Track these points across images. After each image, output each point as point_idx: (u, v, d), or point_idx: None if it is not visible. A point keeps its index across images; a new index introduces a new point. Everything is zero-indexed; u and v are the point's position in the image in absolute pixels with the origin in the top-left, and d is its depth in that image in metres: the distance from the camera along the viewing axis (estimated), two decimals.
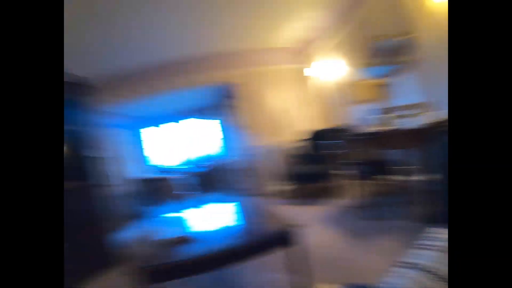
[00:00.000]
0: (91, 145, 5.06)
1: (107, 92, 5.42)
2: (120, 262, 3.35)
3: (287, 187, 5.06)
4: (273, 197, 5.08)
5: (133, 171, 6.54)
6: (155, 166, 7.31)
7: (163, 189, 5.02)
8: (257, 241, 1.66)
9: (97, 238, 3.31)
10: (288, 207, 4.21)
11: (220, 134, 7.30)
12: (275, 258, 2.03)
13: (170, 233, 2.00)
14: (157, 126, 7.46)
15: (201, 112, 7.30)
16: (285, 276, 2.01)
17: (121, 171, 6.01)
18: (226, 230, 2.13)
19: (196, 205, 4.96)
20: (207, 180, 5.28)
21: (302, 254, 1.71)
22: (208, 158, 7.20)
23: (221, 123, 6.65)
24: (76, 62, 4.50)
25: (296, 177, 4.55)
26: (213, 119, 7.17)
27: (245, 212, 2.60)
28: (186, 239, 1.89)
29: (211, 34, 4.66)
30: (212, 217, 2.60)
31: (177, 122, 7.42)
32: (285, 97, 5.69)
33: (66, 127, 3.26)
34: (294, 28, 4.88)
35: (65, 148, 3.27)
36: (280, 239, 1.67)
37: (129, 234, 4.80)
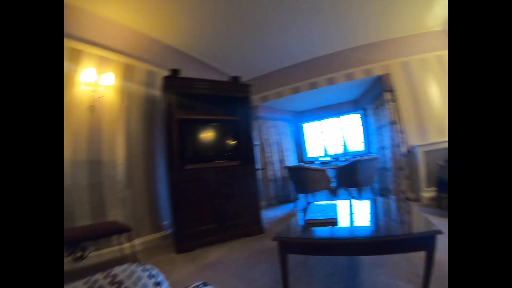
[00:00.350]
0: (257, 135, 6.01)
1: (268, 90, 6.19)
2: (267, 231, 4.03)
3: (429, 193, 4.56)
4: (414, 202, 4.61)
5: (293, 160, 7.23)
6: (311, 157, 7.78)
7: (319, 179, 5.36)
8: (395, 240, 1.76)
9: (253, 209, 4.08)
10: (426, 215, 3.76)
11: (362, 129, 7.02)
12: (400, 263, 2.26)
13: (319, 216, 2.37)
14: (316, 120, 7.83)
15: (352, 106, 7.19)
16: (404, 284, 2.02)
17: (282, 159, 6.77)
18: (367, 224, 2.35)
19: (341, 197, 5.08)
20: (348, 175, 5.25)
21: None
22: (351, 153, 7.13)
23: (368, 118, 6.34)
24: (233, 64, 5.45)
25: (441, 184, 3.95)
26: (362, 113, 6.93)
27: (385, 210, 2.73)
28: (332, 223, 2.24)
29: (357, 27, 4.61)
30: (357, 210, 2.84)
31: (334, 117, 7.56)
32: (438, 90, 4.90)
33: (235, 119, 4.27)
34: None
35: (235, 136, 4.24)
36: (419, 243, 1.73)
37: (281, 212, 5.41)
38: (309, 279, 2.32)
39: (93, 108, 3.53)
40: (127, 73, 3.99)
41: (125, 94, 3.93)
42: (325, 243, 1.97)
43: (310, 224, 2.31)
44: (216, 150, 4.13)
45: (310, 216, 2.41)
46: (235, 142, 4.28)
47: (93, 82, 3.51)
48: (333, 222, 2.24)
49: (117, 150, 3.74)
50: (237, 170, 4.05)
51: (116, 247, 3.37)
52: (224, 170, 3.95)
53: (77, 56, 3.47)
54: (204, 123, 4.09)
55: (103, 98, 3.64)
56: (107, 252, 3.33)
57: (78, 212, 3.27)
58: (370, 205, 2.95)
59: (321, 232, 2.17)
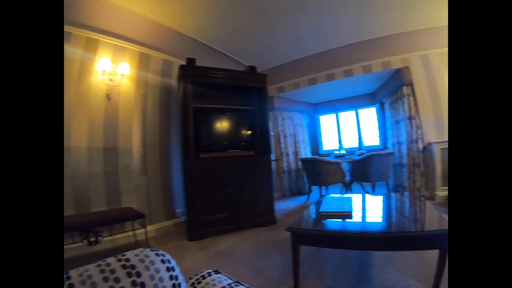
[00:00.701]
0: (272, 126, 5.98)
1: (284, 80, 6.13)
2: (279, 222, 4.05)
3: (445, 192, 4.48)
4: (428, 200, 4.53)
5: (307, 153, 7.18)
6: (326, 150, 7.71)
7: (334, 172, 5.32)
8: (408, 236, 1.75)
9: (266, 200, 4.11)
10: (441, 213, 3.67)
11: (379, 124, 6.88)
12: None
13: (333, 208, 2.37)
14: (333, 112, 7.73)
15: (368, 99, 7.04)
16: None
17: (297, 151, 6.73)
18: (380, 219, 2.34)
19: (355, 191, 5.02)
20: (363, 169, 5.18)
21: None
22: (366, 147, 7.03)
23: (385, 112, 6.20)
24: (249, 54, 5.40)
25: None
26: (378, 107, 6.79)
27: (399, 206, 2.69)
28: (346, 215, 2.24)
29: (376, 18, 4.48)
30: (371, 205, 2.84)
31: (351, 110, 7.45)
32: None
33: (251, 109, 4.27)
34: None
35: (250, 126, 4.28)
36: (432, 241, 1.70)
37: (294, 204, 5.41)
38: (319, 272, 2.32)
39: (109, 96, 3.58)
40: (143, 62, 4.02)
41: (141, 83, 3.96)
42: (338, 236, 1.96)
43: (324, 216, 2.30)
44: (231, 139, 4.13)
45: (325, 208, 2.40)
46: (250, 132, 4.27)
47: (110, 71, 3.56)
48: (347, 215, 2.23)
49: (133, 138, 3.80)
50: (251, 160, 4.06)
51: (130, 233, 3.44)
52: (239, 159, 3.95)
53: (94, 45, 3.52)
54: (219, 113, 4.08)
55: (120, 86, 3.68)
56: (121, 237, 3.41)
57: (93, 198, 3.35)
58: (384, 200, 2.91)
59: (334, 224, 2.16)
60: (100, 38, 3.57)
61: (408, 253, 2.38)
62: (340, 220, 2.20)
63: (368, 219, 2.31)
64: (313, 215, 2.52)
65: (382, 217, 2.35)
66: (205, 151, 3.84)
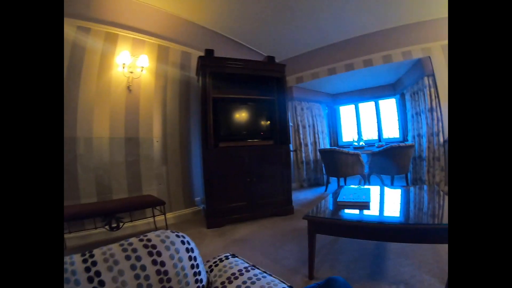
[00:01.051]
0: (291, 116, 5.97)
1: (303, 71, 6.07)
2: (297, 212, 4.08)
3: None
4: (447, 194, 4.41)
5: (326, 143, 7.13)
6: (345, 142, 7.63)
7: (352, 163, 5.28)
8: (424, 228, 1.76)
9: (284, 189, 4.15)
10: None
11: (398, 115, 6.71)
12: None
13: (351, 198, 2.39)
14: (352, 103, 7.62)
15: (389, 90, 6.87)
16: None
17: (314, 141, 6.70)
18: (398, 210, 2.32)
19: (373, 184, 4.97)
20: (382, 161, 5.10)
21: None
22: (386, 139, 6.90)
23: (406, 103, 6.03)
24: (267, 44, 5.38)
25: None
26: (398, 98, 6.61)
27: (417, 200, 2.67)
28: (364, 206, 2.25)
29: (396, 6, 4.36)
30: (389, 197, 2.82)
31: (370, 101, 7.31)
32: None
33: (270, 99, 4.28)
34: None
35: (269, 116, 4.29)
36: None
37: (312, 195, 5.42)
38: (333, 263, 2.33)
39: (130, 88, 3.68)
40: (162, 54, 4.10)
41: (161, 74, 4.04)
42: (355, 225, 1.97)
43: (341, 206, 2.31)
44: (250, 129, 4.16)
45: (342, 198, 2.41)
46: (269, 122, 4.29)
47: (130, 64, 3.65)
48: (365, 205, 2.23)
49: (154, 129, 3.89)
50: (270, 149, 4.09)
51: (150, 219, 3.56)
52: (258, 149, 3.99)
53: (114, 39, 3.62)
54: (238, 102, 4.12)
55: (140, 78, 3.77)
56: (141, 223, 3.54)
57: (115, 187, 3.49)
58: (402, 193, 2.88)
59: (352, 214, 2.17)
60: (119, 33, 3.66)
61: (424, 247, 2.36)
62: (358, 210, 2.20)
63: (385, 211, 2.29)
64: (331, 204, 2.54)
65: (400, 209, 2.33)
66: (224, 140, 3.90)
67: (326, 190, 5.69)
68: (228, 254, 1.49)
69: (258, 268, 1.35)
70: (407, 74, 5.83)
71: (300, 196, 5.29)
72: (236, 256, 1.47)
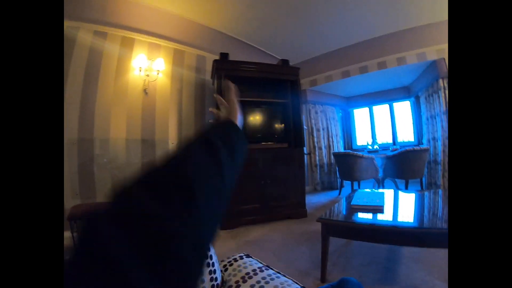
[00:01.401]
0: (304, 119, 5.97)
1: (317, 73, 6.07)
2: (310, 216, 4.08)
3: None
4: None
5: (340, 147, 7.10)
6: (359, 145, 7.57)
7: (366, 167, 5.24)
8: (440, 233, 1.74)
9: (298, 192, 4.15)
10: None
11: (413, 118, 6.59)
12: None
13: (365, 202, 2.39)
14: (366, 106, 7.55)
15: (403, 93, 6.77)
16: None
17: (328, 144, 6.68)
18: (412, 215, 2.30)
19: (387, 188, 4.92)
20: (396, 166, 5.04)
21: None
22: (400, 143, 6.80)
23: (420, 106, 5.92)
24: (281, 47, 5.40)
25: None
26: (413, 101, 6.50)
27: (431, 204, 2.64)
28: (378, 209, 2.24)
29: (410, 7, 4.31)
30: (403, 201, 2.79)
31: (385, 103, 7.23)
32: None
33: (284, 101, 4.32)
34: None
35: (283, 119, 4.32)
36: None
37: (325, 199, 5.39)
38: (345, 266, 2.33)
39: (146, 91, 3.77)
40: (177, 58, 4.18)
41: (176, 78, 4.13)
42: (369, 228, 1.97)
43: (355, 209, 2.30)
44: (265, 132, 4.19)
45: (356, 201, 2.40)
46: (283, 125, 4.31)
47: (146, 67, 3.74)
48: (379, 209, 2.22)
49: (169, 131, 3.97)
50: (284, 152, 4.11)
51: None
52: (272, 151, 4.01)
53: (130, 43, 3.73)
54: (253, 105, 4.16)
55: (156, 82, 3.86)
56: None
57: None
58: (417, 197, 2.84)
59: (366, 217, 2.17)
60: (136, 37, 3.77)
61: (437, 252, 2.33)
62: (371, 214, 2.20)
63: (399, 215, 2.27)
64: (344, 208, 2.54)
65: (414, 213, 2.31)
66: None
67: (339, 194, 5.66)
68: (242, 254, 1.52)
69: (271, 269, 1.38)
70: (421, 76, 5.74)
71: (313, 200, 5.28)
72: (250, 256, 1.50)
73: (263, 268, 1.35)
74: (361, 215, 2.19)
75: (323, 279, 2.08)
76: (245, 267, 1.36)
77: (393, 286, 1.94)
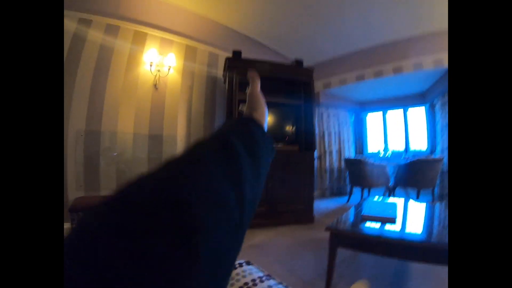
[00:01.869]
0: (316, 121, 5.85)
1: (331, 76, 5.93)
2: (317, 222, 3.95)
3: None
4: None
5: (350, 152, 6.94)
6: (371, 152, 7.39)
7: (378, 175, 5.10)
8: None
9: (306, 197, 4.04)
10: None
11: (428, 126, 6.37)
12: None
13: (377, 212, 2.26)
14: (380, 111, 7.37)
15: (418, 99, 6.55)
16: None
17: (339, 149, 6.54)
18: (428, 228, 2.15)
19: (398, 197, 4.76)
20: (408, 174, 4.86)
21: None
22: (413, 151, 6.57)
23: (436, 114, 5.71)
24: (295, 48, 5.28)
25: None
26: (428, 108, 6.28)
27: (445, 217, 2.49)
28: (390, 220, 2.11)
29: (427, 11, 4.14)
30: (415, 212, 2.64)
31: (399, 109, 7.02)
32: None
33: (296, 103, 4.22)
34: None
35: (295, 121, 4.24)
36: None
37: (334, 205, 5.26)
38: (352, 278, 2.20)
39: (157, 86, 3.71)
40: (189, 54, 4.12)
41: (188, 74, 4.06)
42: (380, 242, 1.84)
43: (365, 219, 2.18)
44: (275, 133, 4.08)
45: (368, 211, 2.28)
46: (294, 127, 4.20)
47: (158, 62, 3.69)
48: (391, 220, 2.09)
49: (178, 127, 3.91)
50: (294, 155, 3.99)
51: None
52: (281, 154, 3.87)
53: (142, 38, 3.69)
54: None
55: (167, 77, 3.81)
56: None
57: None
58: (429, 209, 2.69)
59: (378, 229, 2.03)
60: (148, 32, 3.72)
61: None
62: (383, 225, 2.06)
63: (414, 227, 2.13)
64: (354, 217, 2.40)
65: (428, 226, 2.17)
66: None
67: (348, 201, 5.51)
68: (242, 261, 1.42)
69: (273, 279, 1.27)
70: (438, 83, 5.56)
71: (321, 205, 5.15)
72: (251, 264, 1.40)
73: (264, 278, 1.24)
74: (373, 227, 2.06)
75: None
76: (244, 276, 1.25)
77: None
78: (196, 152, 0.36)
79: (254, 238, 3.28)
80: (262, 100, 0.60)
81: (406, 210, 2.62)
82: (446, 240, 1.73)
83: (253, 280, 1.22)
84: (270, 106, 3.18)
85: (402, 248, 1.74)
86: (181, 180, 0.29)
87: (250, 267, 1.35)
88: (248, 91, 0.63)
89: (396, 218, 2.11)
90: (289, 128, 4.17)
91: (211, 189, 0.30)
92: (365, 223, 2.13)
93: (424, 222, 2.26)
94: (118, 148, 3.43)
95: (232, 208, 0.31)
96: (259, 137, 0.46)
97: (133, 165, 3.49)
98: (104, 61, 3.36)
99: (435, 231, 2.01)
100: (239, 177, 0.34)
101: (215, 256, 0.26)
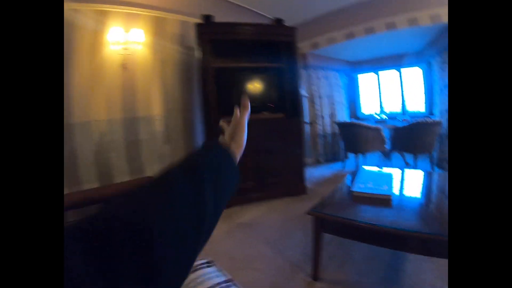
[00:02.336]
0: (305, 86, 5.53)
1: (318, 35, 5.53)
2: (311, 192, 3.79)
3: None
4: None
5: (343, 115, 6.65)
6: (365, 114, 7.09)
7: (373, 138, 4.86)
8: None
9: (296, 166, 3.83)
10: None
11: (425, 87, 6.00)
12: None
13: (370, 188, 1.99)
14: (373, 72, 6.98)
15: (414, 58, 6.14)
16: None
17: (331, 113, 6.26)
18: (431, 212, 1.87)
19: (395, 162, 4.55)
20: (405, 138, 4.61)
21: None
22: (410, 113, 6.26)
23: (433, 73, 5.34)
24: (275, 5, 4.80)
25: None
26: (425, 67, 5.89)
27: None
28: (385, 200, 1.84)
29: None
30: (413, 186, 2.39)
31: (393, 69, 6.62)
32: None
33: (279, 66, 3.87)
34: None
35: (279, 86, 3.91)
36: None
37: (329, 172, 5.08)
38: (344, 260, 2.05)
39: (125, 66, 3.39)
40: (159, 26, 3.73)
41: (158, 48, 3.70)
42: (372, 230, 1.58)
43: (356, 198, 1.93)
44: (258, 101, 3.78)
45: (359, 187, 2.02)
46: (279, 92, 3.90)
47: (123, 41, 3.36)
48: (387, 200, 1.82)
49: (153, 106, 3.64)
50: (280, 123, 3.74)
51: None
52: (266, 123, 3.64)
53: (104, 17, 3.30)
54: (243, 72, 3.74)
55: (135, 55, 3.47)
56: None
57: (116, 170, 3.32)
58: (428, 179, 2.46)
59: (368, 211, 1.78)
60: (110, 9, 3.32)
61: None
62: (377, 206, 1.79)
63: (411, 211, 1.81)
64: (346, 192, 2.17)
65: (429, 209, 1.84)
66: (228, 115, 3.55)
67: (344, 167, 5.31)
68: (203, 262, 1.24)
69: (234, 285, 1.08)
70: (435, 40, 5.15)
71: (315, 173, 4.98)
72: (213, 265, 1.21)
73: (224, 285, 1.05)
74: (363, 209, 1.82)
75: (315, 277, 1.80)
76: (202, 282, 1.06)
77: None
78: (166, 182, 0.40)
79: (243, 216, 3.14)
80: (244, 132, 0.63)
81: (403, 184, 2.39)
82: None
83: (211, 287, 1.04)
84: (250, 72, 2.86)
85: (397, 238, 1.53)
86: (149, 211, 0.34)
87: (210, 269, 1.17)
88: (235, 116, 0.65)
89: (392, 197, 1.86)
90: (273, 94, 3.88)
91: (176, 220, 0.35)
92: (355, 204, 1.90)
93: (423, 203, 1.96)
94: (94, 137, 3.21)
95: (193, 239, 0.37)
96: (228, 172, 0.51)
97: (111, 152, 3.28)
98: (65, 51, 3.02)
99: (436, 216, 1.67)
100: (203, 213, 0.39)
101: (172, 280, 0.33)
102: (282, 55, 3.86)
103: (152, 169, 3.54)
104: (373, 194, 1.90)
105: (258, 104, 3.76)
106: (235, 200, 3.44)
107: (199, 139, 4.04)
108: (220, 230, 2.78)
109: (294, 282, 1.85)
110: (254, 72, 3.78)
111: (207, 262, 1.21)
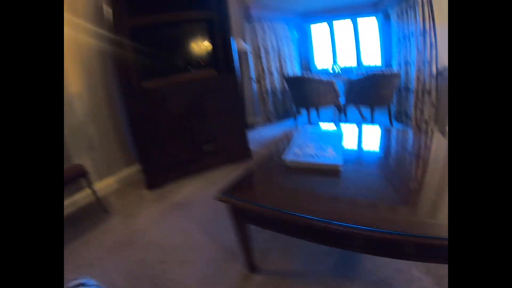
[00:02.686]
0: (251, 39, 5.02)
1: None
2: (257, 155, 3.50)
3: None
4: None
5: (293, 69, 6.27)
6: (319, 69, 6.75)
7: (325, 92, 4.55)
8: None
9: (236, 129, 3.46)
10: None
11: (381, 38, 5.67)
12: None
13: (322, 157, 1.52)
14: (326, 22, 6.52)
15: (371, 8, 5.72)
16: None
17: (280, 68, 5.86)
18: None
19: (350, 117, 4.31)
20: (361, 91, 4.36)
21: None
22: (366, 67, 5.96)
23: (391, 24, 5.01)
24: None
25: None
26: (382, 18, 5.54)
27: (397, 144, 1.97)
28: (332, 171, 1.42)
29: None
30: (370, 152, 1.94)
31: (347, 19, 6.19)
32: None
33: (207, 17, 3.31)
34: None
35: (209, 39, 3.37)
36: None
37: (281, 130, 4.81)
38: (288, 248, 1.73)
39: None
40: None
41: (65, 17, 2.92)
42: (307, 225, 1.13)
43: (293, 171, 1.47)
44: (184, 59, 3.26)
45: (294, 154, 1.55)
46: (209, 47, 3.37)
47: None
48: (333, 172, 1.38)
49: (70, 84, 2.95)
50: (213, 82, 3.26)
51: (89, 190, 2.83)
52: (196, 83, 3.16)
53: None
54: (164, 27, 3.12)
55: None
56: (81, 197, 2.88)
57: None
58: (385, 138, 2.11)
59: (307, 191, 1.33)
60: None
61: None
62: (320, 180, 1.36)
63: (369, 185, 1.34)
64: (277, 162, 1.66)
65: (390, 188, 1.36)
66: (150, 79, 3.02)
67: (296, 124, 5.05)
68: (82, 282, 0.91)
69: None
70: None
71: (264, 134, 4.67)
72: (91, 285, 0.89)
73: None
74: (302, 189, 1.36)
75: (252, 268, 1.52)
76: None
77: (354, 279, 1.42)
78: None
79: (179, 194, 2.77)
80: None
81: (359, 146, 1.99)
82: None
83: None
84: (173, 25, 2.33)
85: (344, 237, 1.12)
86: None
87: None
88: None
89: (340, 167, 1.41)
90: (201, 49, 3.34)
91: None
92: (289, 180, 1.44)
93: (381, 175, 1.48)
94: None
95: None
96: None
97: None
98: None
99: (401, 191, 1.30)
100: None
101: None
102: (209, 2, 3.27)
103: (79, 154, 2.96)
104: (315, 164, 1.45)
105: (184, 62, 3.24)
106: (167, 177, 3.04)
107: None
108: (153, 214, 2.42)
109: (228, 275, 1.57)
110: (177, 26, 3.19)
111: (82, 284, 0.87)
